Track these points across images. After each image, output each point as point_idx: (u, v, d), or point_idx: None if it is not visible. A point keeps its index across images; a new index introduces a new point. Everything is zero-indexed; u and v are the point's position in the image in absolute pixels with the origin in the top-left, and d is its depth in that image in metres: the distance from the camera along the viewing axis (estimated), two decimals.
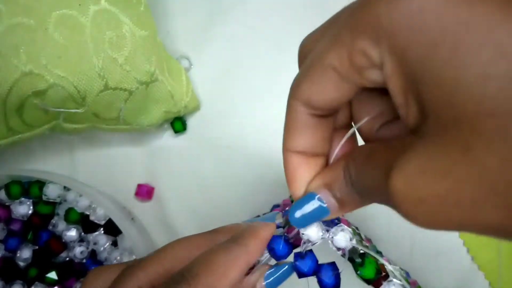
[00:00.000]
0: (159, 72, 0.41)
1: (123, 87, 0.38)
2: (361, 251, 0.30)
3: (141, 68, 0.39)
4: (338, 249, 0.29)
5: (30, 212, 0.42)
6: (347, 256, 0.29)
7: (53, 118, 0.37)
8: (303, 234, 0.27)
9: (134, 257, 0.42)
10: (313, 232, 0.28)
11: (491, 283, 0.43)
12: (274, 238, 0.28)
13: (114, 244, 0.43)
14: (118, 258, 0.42)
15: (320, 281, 0.28)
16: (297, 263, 0.28)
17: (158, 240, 0.46)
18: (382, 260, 0.31)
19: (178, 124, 0.46)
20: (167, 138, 0.47)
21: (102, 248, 0.42)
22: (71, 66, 0.35)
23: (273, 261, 0.28)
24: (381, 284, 0.29)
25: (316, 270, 0.28)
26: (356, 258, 0.29)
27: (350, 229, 0.30)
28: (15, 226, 0.42)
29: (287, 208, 0.35)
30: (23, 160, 0.46)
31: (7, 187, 0.41)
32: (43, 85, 0.34)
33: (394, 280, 0.30)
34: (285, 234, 0.29)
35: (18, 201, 0.42)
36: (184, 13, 0.48)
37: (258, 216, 0.39)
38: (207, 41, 0.48)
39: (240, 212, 0.44)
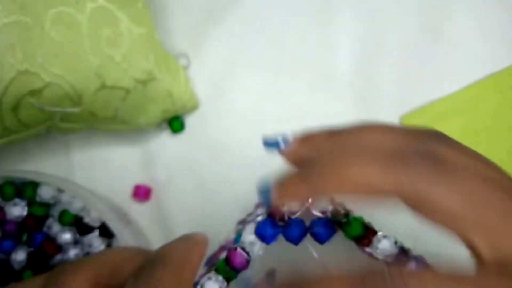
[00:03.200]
0: (157, 71, 0.41)
1: (121, 86, 0.38)
2: (344, 211, 0.30)
3: (139, 66, 0.39)
4: (322, 213, 0.29)
5: (24, 213, 0.41)
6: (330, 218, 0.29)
7: (49, 117, 0.37)
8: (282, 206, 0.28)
9: None
10: (293, 204, 0.29)
11: None
12: (260, 223, 0.29)
13: (110, 246, 0.42)
14: None
15: (314, 235, 0.29)
16: (284, 234, 0.29)
17: (155, 241, 0.46)
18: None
19: (176, 123, 0.45)
20: (165, 137, 0.46)
21: (97, 251, 0.42)
22: (68, 65, 0.34)
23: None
24: (371, 242, 0.29)
25: (306, 230, 0.29)
26: (341, 219, 0.29)
27: None
28: (9, 228, 0.41)
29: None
30: (18, 160, 0.45)
31: (0, 188, 0.41)
32: (39, 84, 0.33)
33: (381, 232, 0.29)
34: (269, 215, 0.29)
35: (12, 202, 0.41)
36: (182, 10, 0.48)
37: (249, 214, 0.39)
38: (205, 39, 0.47)
39: (239, 213, 0.44)
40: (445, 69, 0.46)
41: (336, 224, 0.29)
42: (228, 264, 0.29)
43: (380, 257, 0.28)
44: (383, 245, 0.28)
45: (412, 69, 0.46)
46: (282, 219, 0.29)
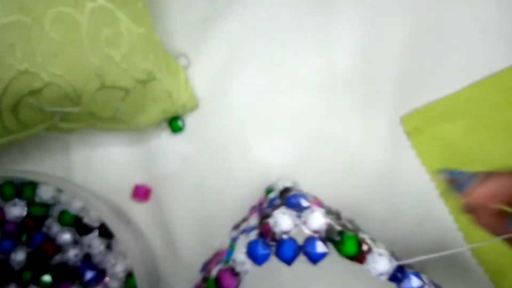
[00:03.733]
0: (157, 70, 0.41)
1: (120, 86, 0.38)
2: (339, 229, 0.29)
3: (139, 66, 0.39)
4: (314, 232, 0.28)
5: (24, 213, 0.41)
6: (323, 236, 0.29)
7: (49, 117, 0.37)
8: (274, 226, 0.28)
9: (128, 260, 0.41)
10: (284, 222, 0.28)
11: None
12: (251, 244, 0.28)
13: (109, 246, 0.43)
14: (113, 261, 0.42)
15: (307, 254, 0.28)
16: (277, 254, 0.28)
17: (155, 241, 0.46)
18: (363, 235, 0.30)
19: (176, 123, 0.45)
20: (165, 137, 0.46)
21: (96, 251, 0.42)
22: (67, 64, 0.34)
23: None
24: (365, 259, 0.28)
25: (299, 249, 0.28)
26: (335, 237, 0.29)
27: (322, 209, 0.29)
28: (9, 228, 0.42)
29: (264, 205, 0.34)
30: (18, 160, 0.45)
31: (0, 188, 0.41)
32: (39, 83, 0.33)
33: (376, 249, 0.29)
34: (260, 235, 0.28)
35: (11, 202, 0.41)
36: (182, 10, 0.48)
37: (244, 219, 0.38)
38: (205, 39, 0.47)
39: (239, 213, 0.44)
40: (445, 69, 0.46)
41: (330, 241, 0.29)
42: (217, 285, 0.28)
43: (375, 274, 0.28)
44: (379, 265, 0.28)
45: (412, 70, 0.46)
46: (273, 238, 0.28)
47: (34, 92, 0.33)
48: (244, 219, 0.38)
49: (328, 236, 0.29)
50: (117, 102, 0.39)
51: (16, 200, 0.41)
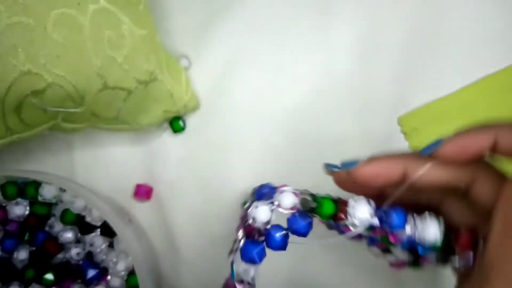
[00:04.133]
0: (159, 71, 0.41)
1: (122, 87, 0.38)
2: (311, 197, 0.29)
3: (140, 67, 0.39)
4: (292, 209, 0.29)
5: (26, 213, 0.42)
6: (301, 209, 0.29)
7: (51, 117, 0.37)
8: (254, 222, 0.28)
9: (130, 259, 0.41)
10: (260, 213, 0.28)
11: None
12: (242, 249, 0.28)
13: (111, 245, 0.43)
14: (115, 260, 0.42)
15: (295, 232, 0.28)
16: (269, 245, 0.28)
17: (157, 240, 0.46)
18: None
19: (177, 123, 0.45)
20: (166, 137, 0.47)
21: (98, 250, 0.42)
22: (70, 66, 0.34)
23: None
24: (345, 212, 0.28)
25: (286, 231, 0.28)
26: (311, 205, 0.29)
27: (289, 187, 0.30)
28: (12, 227, 0.42)
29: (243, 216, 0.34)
30: (21, 160, 0.45)
31: (2, 188, 0.41)
32: (42, 84, 0.33)
33: (351, 199, 0.29)
34: (247, 237, 0.29)
35: (14, 201, 0.42)
36: (183, 12, 0.48)
37: (234, 241, 0.39)
38: (206, 40, 0.47)
39: (240, 212, 0.44)
40: (443, 69, 0.46)
41: (309, 211, 0.29)
42: None
43: (360, 224, 0.28)
44: (359, 211, 0.28)
45: (410, 70, 0.46)
46: (260, 234, 0.29)
47: (37, 93, 0.33)
48: (235, 241, 0.38)
49: (305, 207, 0.29)
50: (119, 103, 0.39)
51: (19, 199, 0.41)
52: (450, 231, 0.29)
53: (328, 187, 0.45)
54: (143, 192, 0.45)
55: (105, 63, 0.36)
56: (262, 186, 0.31)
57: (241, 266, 0.28)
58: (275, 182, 0.45)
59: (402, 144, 0.45)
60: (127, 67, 0.37)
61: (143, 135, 0.46)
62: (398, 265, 0.36)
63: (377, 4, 0.47)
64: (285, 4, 0.47)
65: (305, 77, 0.47)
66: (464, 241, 0.28)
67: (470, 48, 0.46)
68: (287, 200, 0.29)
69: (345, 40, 0.47)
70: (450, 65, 0.46)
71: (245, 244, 0.28)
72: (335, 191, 0.45)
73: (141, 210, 0.46)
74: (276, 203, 0.29)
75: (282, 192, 0.29)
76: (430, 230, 0.28)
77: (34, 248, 0.42)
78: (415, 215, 0.29)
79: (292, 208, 0.29)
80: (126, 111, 0.40)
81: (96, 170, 0.46)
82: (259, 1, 0.48)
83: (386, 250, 0.36)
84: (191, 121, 0.47)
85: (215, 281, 0.39)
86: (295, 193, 0.29)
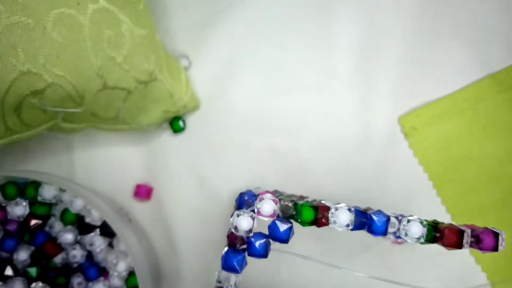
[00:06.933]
0: (158, 71, 0.41)
1: (122, 87, 0.38)
2: (292, 204, 0.30)
3: (140, 67, 0.39)
4: (272, 216, 0.30)
5: (26, 213, 0.42)
6: (281, 216, 0.30)
7: (51, 117, 0.37)
8: (237, 231, 0.29)
9: (129, 259, 0.41)
10: (242, 222, 0.29)
11: (492, 284, 0.43)
12: (223, 258, 0.29)
13: (111, 245, 0.43)
14: (115, 260, 0.42)
15: (276, 239, 0.29)
16: (251, 254, 0.29)
17: (156, 240, 0.46)
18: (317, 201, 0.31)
19: (177, 123, 0.45)
20: (166, 137, 0.47)
21: (98, 250, 0.42)
22: (70, 65, 0.34)
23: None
24: (326, 218, 0.29)
25: (267, 239, 0.29)
26: (291, 212, 0.30)
27: (268, 194, 0.30)
28: (12, 227, 0.42)
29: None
30: (20, 160, 0.45)
31: (2, 188, 0.41)
32: (41, 84, 0.33)
33: (333, 206, 0.29)
34: (229, 246, 0.29)
35: (14, 202, 0.41)
36: (183, 12, 0.48)
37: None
38: (206, 40, 0.47)
39: None
40: (443, 70, 0.46)
41: (288, 218, 0.30)
42: None
43: (342, 228, 0.29)
44: (341, 218, 0.29)
45: (410, 70, 0.46)
46: (243, 242, 0.29)
47: (36, 93, 0.33)
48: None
49: (285, 213, 0.30)
50: (119, 103, 0.39)
51: (19, 199, 0.41)
52: (436, 231, 0.29)
53: (327, 186, 0.45)
54: (143, 192, 0.45)
55: (105, 63, 0.36)
56: (243, 194, 0.31)
57: (222, 274, 0.29)
58: (275, 182, 0.45)
59: (402, 144, 0.45)
60: (127, 67, 0.37)
61: (143, 135, 0.46)
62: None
63: (377, 5, 0.47)
64: (286, 5, 0.47)
65: (305, 77, 0.47)
66: (449, 242, 0.28)
67: (470, 48, 0.46)
68: (267, 208, 0.30)
69: (345, 41, 0.47)
70: (450, 65, 0.46)
71: (226, 253, 0.29)
72: (335, 191, 0.45)
73: (141, 210, 0.46)
74: (256, 211, 0.30)
75: (262, 199, 0.30)
76: (414, 232, 0.29)
77: (34, 248, 0.41)
78: (399, 217, 0.29)
79: (272, 215, 0.30)
80: (126, 111, 0.40)
81: (96, 170, 0.46)
82: (259, 1, 0.48)
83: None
84: (191, 121, 0.47)
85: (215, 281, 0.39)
86: (274, 200, 0.30)
